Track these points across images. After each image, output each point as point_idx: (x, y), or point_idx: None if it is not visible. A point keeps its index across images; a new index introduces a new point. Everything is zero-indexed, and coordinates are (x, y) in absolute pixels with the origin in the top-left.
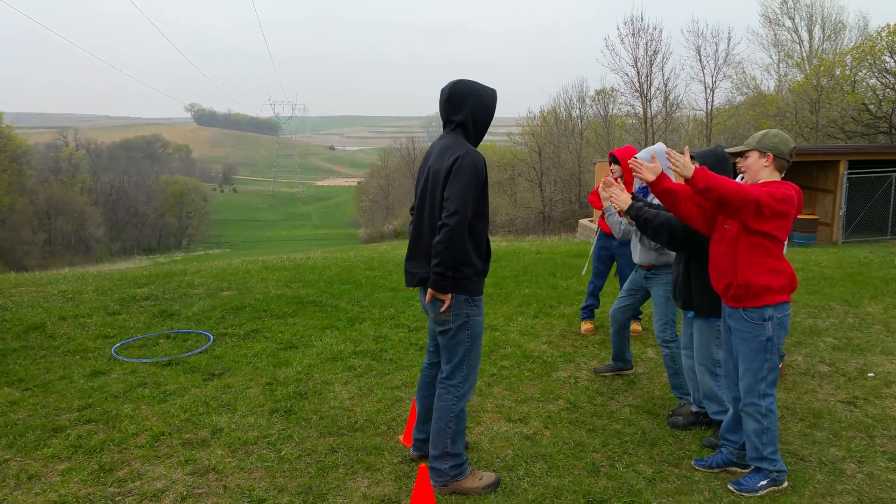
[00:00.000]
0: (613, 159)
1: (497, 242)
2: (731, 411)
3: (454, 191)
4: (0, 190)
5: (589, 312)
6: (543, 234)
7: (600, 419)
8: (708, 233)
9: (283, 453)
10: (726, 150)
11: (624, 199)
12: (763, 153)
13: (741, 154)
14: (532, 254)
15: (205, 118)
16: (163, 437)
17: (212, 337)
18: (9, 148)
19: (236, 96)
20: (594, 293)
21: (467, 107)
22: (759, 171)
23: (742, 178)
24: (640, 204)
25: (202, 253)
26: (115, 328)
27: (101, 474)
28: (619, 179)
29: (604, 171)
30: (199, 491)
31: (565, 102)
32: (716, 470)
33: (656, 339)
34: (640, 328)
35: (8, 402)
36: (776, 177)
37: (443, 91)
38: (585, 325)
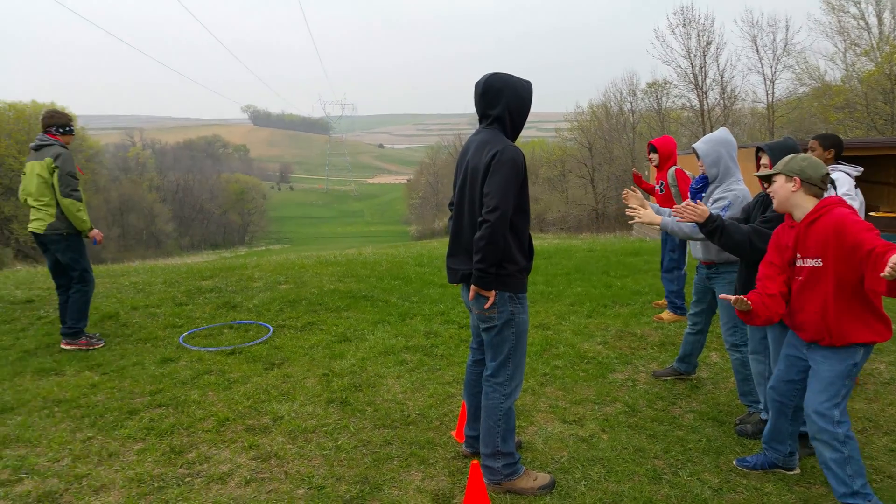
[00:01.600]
0: (652, 148)
1: (548, 240)
2: (770, 418)
3: (494, 186)
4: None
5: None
6: (597, 232)
7: (661, 424)
8: None
9: (339, 443)
10: (757, 174)
11: (700, 212)
12: (790, 177)
13: (768, 179)
14: (584, 252)
15: (260, 119)
16: (228, 423)
17: (271, 328)
18: (83, 148)
19: (289, 97)
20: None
21: (503, 100)
22: (787, 196)
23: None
24: (717, 218)
25: (264, 248)
26: (182, 318)
27: (172, 455)
28: (656, 168)
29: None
30: (262, 475)
31: (615, 96)
32: (759, 471)
33: (724, 342)
34: (666, 317)
35: (89, 384)
36: (810, 202)
37: (477, 85)
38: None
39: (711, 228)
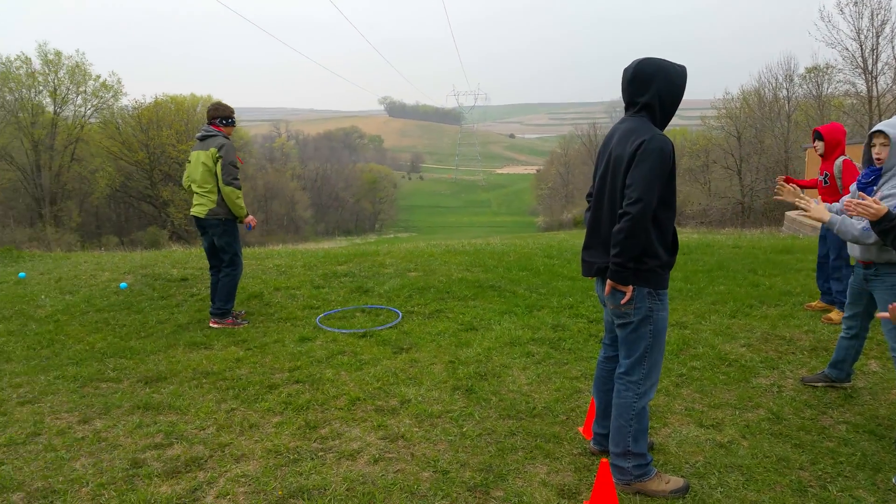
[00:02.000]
0: (818, 136)
1: (688, 234)
2: None
3: (638, 177)
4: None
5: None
6: (742, 227)
7: (809, 434)
8: None
9: (464, 429)
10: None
11: (877, 209)
12: None
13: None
14: (728, 248)
15: (396, 110)
16: (359, 402)
17: (400, 314)
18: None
19: (424, 88)
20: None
21: (654, 87)
22: None
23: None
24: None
25: (392, 236)
26: (319, 300)
27: (307, 430)
28: (821, 157)
29: (815, 158)
30: (390, 455)
31: (770, 82)
32: None
33: (890, 349)
34: (836, 317)
35: (234, 359)
36: None
37: (626, 71)
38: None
39: (887, 227)
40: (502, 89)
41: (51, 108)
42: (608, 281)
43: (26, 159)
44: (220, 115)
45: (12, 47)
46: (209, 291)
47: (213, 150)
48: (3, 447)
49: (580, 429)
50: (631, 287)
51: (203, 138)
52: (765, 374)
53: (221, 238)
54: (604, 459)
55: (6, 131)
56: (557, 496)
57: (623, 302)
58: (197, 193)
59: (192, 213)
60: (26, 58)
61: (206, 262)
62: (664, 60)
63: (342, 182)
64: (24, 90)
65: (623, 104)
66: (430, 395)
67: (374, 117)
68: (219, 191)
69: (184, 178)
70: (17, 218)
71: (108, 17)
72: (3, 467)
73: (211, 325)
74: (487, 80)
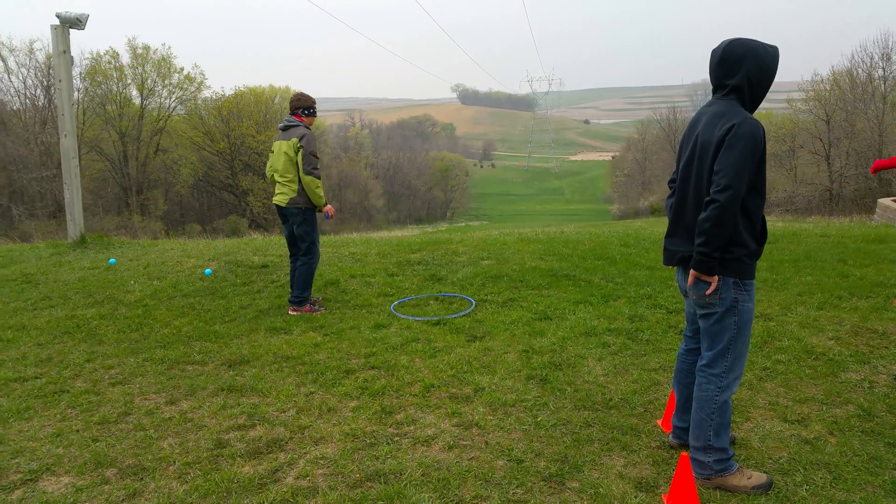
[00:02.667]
0: None
1: (773, 222)
2: None
3: (727, 163)
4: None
5: None
6: (830, 215)
7: None
8: None
9: (539, 419)
10: None
11: None
12: None
13: None
14: (816, 236)
15: (468, 97)
16: (433, 389)
17: (474, 302)
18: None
19: (497, 74)
20: None
21: (743, 69)
22: None
23: None
24: None
25: (464, 224)
26: (393, 288)
27: (383, 415)
28: None
29: None
30: (464, 443)
31: (864, 62)
32: None
33: None
34: None
35: (312, 344)
36: None
37: (714, 52)
38: None
39: None
40: (577, 73)
41: (138, 101)
42: (692, 270)
43: (114, 150)
44: (302, 106)
45: (99, 42)
46: (288, 278)
47: (294, 140)
48: (97, 425)
49: (659, 421)
50: (716, 277)
51: (285, 128)
52: (855, 369)
53: (301, 227)
54: (684, 453)
55: (95, 123)
56: (635, 489)
57: (708, 292)
58: (279, 183)
59: (273, 202)
60: (115, 52)
61: (286, 249)
62: (755, 41)
63: (414, 170)
64: (112, 83)
65: (709, 86)
66: (503, 384)
67: (447, 105)
68: (299, 180)
69: (267, 168)
70: (105, 206)
71: (190, 12)
72: (97, 444)
73: (290, 312)
74: (562, 62)
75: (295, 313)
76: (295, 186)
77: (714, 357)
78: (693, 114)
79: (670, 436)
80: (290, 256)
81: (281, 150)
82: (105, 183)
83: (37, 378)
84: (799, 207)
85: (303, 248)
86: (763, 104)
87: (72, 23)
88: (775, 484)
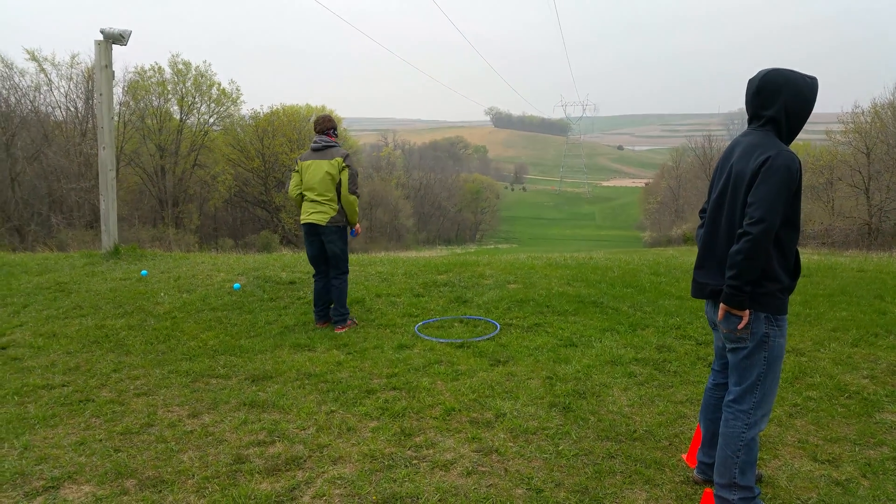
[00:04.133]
0: None
1: (808, 255)
2: None
3: (761, 195)
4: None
5: None
6: (868, 249)
7: None
8: None
9: (560, 448)
10: None
11: None
12: None
13: None
14: (852, 271)
15: (501, 121)
16: (453, 413)
17: (499, 326)
18: (345, 147)
19: (531, 98)
20: None
21: (781, 100)
22: None
23: None
24: None
25: (493, 247)
26: (418, 308)
27: (402, 437)
28: None
29: None
30: (483, 469)
31: None
32: None
33: None
34: None
35: (335, 362)
36: None
37: (751, 82)
38: None
39: None
40: (613, 100)
41: (178, 116)
42: (722, 304)
43: (152, 163)
44: (332, 127)
45: (141, 58)
46: (307, 292)
47: (338, 159)
48: (119, 435)
49: (684, 456)
50: (747, 312)
51: (322, 149)
52: (890, 409)
53: (337, 244)
54: (707, 489)
55: (134, 137)
56: None
57: (739, 327)
58: (315, 201)
59: (309, 221)
60: (159, 67)
61: (310, 268)
62: (793, 72)
63: (445, 191)
64: (153, 98)
65: (745, 116)
66: (525, 411)
67: (480, 128)
68: (338, 199)
69: (292, 187)
70: (141, 218)
71: (230, 29)
72: (119, 454)
73: (337, 331)
74: (598, 91)
75: (342, 330)
76: (335, 205)
77: (742, 393)
78: (728, 143)
79: (695, 471)
80: (316, 274)
81: (321, 170)
82: (142, 195)
83: (64, 386)
84: (836, 241)
85: (340, 266)
86: (801, 135)
87: (115, 38)
88: None
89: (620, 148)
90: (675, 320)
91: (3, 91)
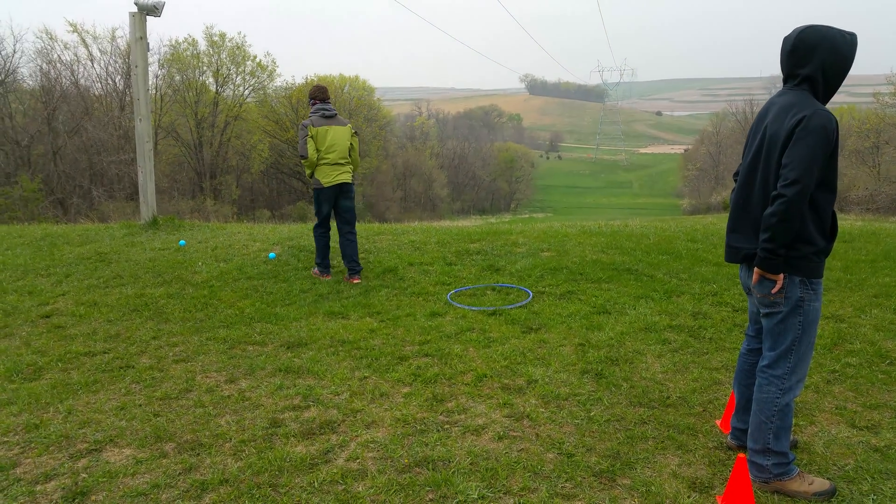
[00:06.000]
0: None
1: (851, 221)
2: None
3: (796, 156)
4: (371, 153)
5: None
6: None
7: None
8: None
9: (592, 414)
10: None
11: None
12: None
13: None
14: None
15: (536, 88)
16: (485, 379)
17: (531, 293)
18: (378, 118)
19: (567, 64)
20: None
21: (817, 58)
22: None
23: None
24: None
25: (527, 216)
26: (450, 276)
27: (434, 403)
28: None
29: None
30: (514, 434)
31: None
32: None
33: None
34: None
35: (368, 329)
36: None
37: (786, 40)
38: None
39: None
40: (651, 64)
41: (213, 88)
42: (756, 268)
43: (190, 136)
44: (330, 97)
45: (176, 31)
46: (341, 262)
47: (349, 126)
48: (159, 400)
49: (717, 422)
50: (781, 276)
51: (333, 116)
52: None
53: (352, 201)
54: (741, 454)
55: (173, 109)
56: (688, 488)
57: (773, 291)
58: (339, 164)
59: (339, 181)
60: (193, 40)
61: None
62: (830, 28)
63: (479, 161)
64: (189, 71)
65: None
66: (557, 377)
67: (514, 95)
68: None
69: (311, 151)
70: (180, 190)
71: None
72: (158, 419)
73: (354, 282)
74: (635, 54)
75: (358, 281)
76: (351, 167)
77: (776, 358)
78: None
79: (728, 437)
80: (326, 231)
81: (343, 136)
82: (181, 167)
83: (105, 353)
84: (881, 206)
85: (352, 222)
86: (846, 98)
87: (149, 10)
88: (839, 492)
89: (659, 114)
90: (711, 287)
91: (45, 65)
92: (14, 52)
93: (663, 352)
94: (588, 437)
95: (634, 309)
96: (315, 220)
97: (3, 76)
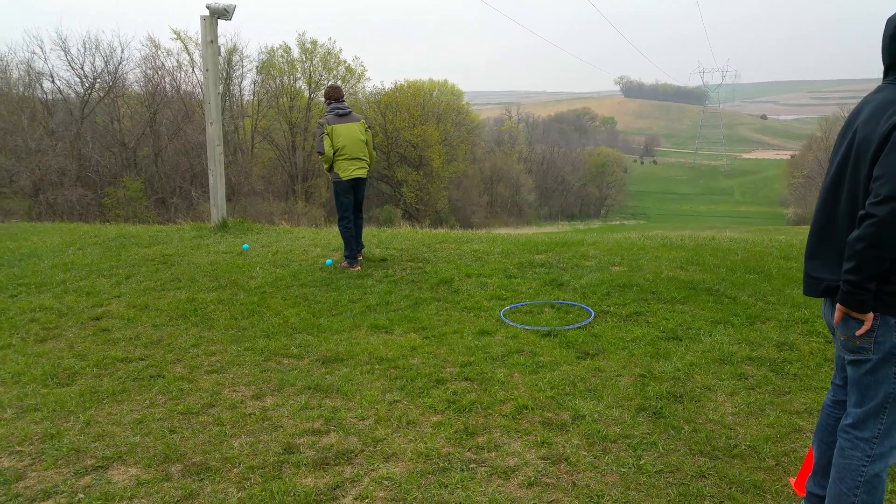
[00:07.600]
0: None
1: None
2: None
3: (890, 167)
4: (458, 158)
5: None
6: None
7: None
8: None
9: (642, 462)
10: None
11: None
12: None
13: None
14: None
15: (632, 90)
16: (525, 411)
17: (593, 313)
18: (466, 122)
19: (665, 66)
20: None
21: None
22: None
23: None
24: None
25: (618, 223)
26: (508, 291)
27: (465, 436)
28: None
29: None
30: (547, 480)
31: None
32: None
33: None
34: None
35: (410, 347)
36: None
37: (890, 21)
38: None
39: None
40: (755, 65)
41: (306, 93)
42: (838, 304)
43: (284, 140)
44: (342, 96)
45: (271, 39)
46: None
47: (363, 122)
48: (179, 415)
49: (792, 480)
50: (870, 315)
51: (347, 113)
52: None
53: (364, 192)
54: None
55: (268, 115)
56: None
57: (859, 333)
58: (357, 158)
59: (357, 176)
60: (287, 47)
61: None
62: None
63: (569, 165)
64: (284, 77)
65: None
66: (608, 414)
67: (608, 98)
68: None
69: (327, 147)
70: (274, 192)
71: (350, 8)
72: (173, 436)
73: (354, 269)
74: (738, 53)
75: (358, 268)
76: (366, 161)
77: (864, 416)
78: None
79: (803, 501)
80: (349, 222)
81: (355, 131)
82: (274, 171)
83: (141, 360)
84: None
85: (360, 207)
86: None
87: (220, 13)
88: None
89: (763, 117)
90: (802, 313)
91: (149, 71)
92: (121, 59)
93: (737, 389)
94: (633, 491)
95: (710, 336)
96: (338, 216)
97: (111, 82)
